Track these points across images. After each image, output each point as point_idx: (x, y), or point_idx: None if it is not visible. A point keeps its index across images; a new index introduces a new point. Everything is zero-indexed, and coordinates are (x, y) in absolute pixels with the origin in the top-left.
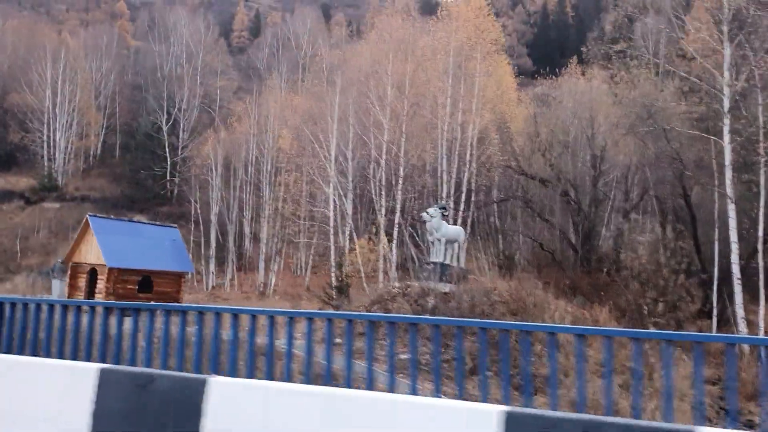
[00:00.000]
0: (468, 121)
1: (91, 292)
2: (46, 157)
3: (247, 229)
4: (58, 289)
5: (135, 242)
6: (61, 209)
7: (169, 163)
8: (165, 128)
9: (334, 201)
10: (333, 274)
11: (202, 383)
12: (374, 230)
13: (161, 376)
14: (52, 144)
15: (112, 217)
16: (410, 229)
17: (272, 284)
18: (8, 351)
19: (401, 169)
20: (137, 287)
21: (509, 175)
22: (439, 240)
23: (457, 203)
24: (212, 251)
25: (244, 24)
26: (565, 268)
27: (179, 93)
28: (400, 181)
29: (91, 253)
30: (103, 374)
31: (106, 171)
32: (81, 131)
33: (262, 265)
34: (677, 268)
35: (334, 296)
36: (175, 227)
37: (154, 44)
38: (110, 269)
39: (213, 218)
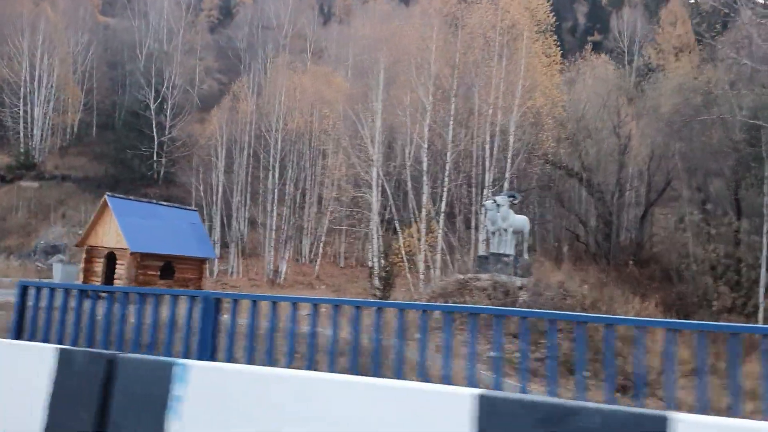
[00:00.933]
0: (512, 106)
1: (109, 278)
2: (22, 134)
3: (247, 215)
4: (60, 273)
5: (156, 225)
6: (40, 188)
7: (156, 143)
8: (153, 107)
9: (377, 186)
10: (375, 264)
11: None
12: (423, 217)
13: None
14: (29, 120)
15: (131, 198)
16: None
17: (283, 272)
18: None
19: (448, 154)
20: (159, 273)
21: (535, 164)
22: (505, 230)
23: (498, 192)
24: (217, 236)
25: (214, 2)
26: (598, 261)
27: (167, 70)
28: (447, 167)
29: (110, 236)
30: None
31: (85, 149)
32: (60, 107)
33: (271, 252)
34: (753, 263)
35: (379, 286)
36: (195, 210)
37: (133, 20)
38: (132, 254)
39: (218, 201)
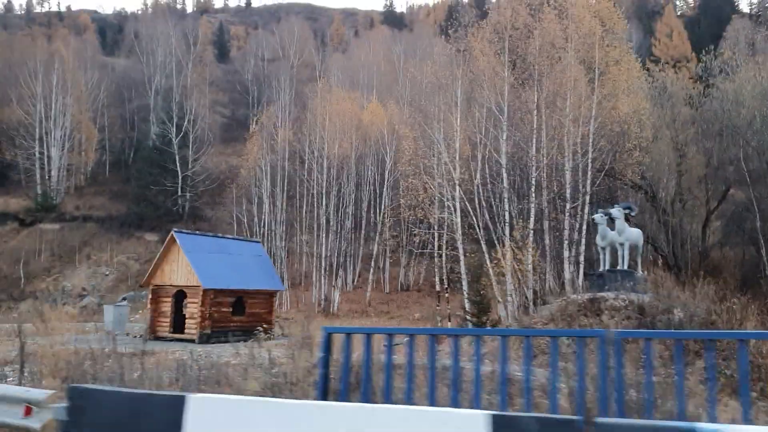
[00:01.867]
0: (588, 117)
1: (179, 318)
2: (38, 175)
3: (290, 244)
4: (113, 315)
5: (224, 260)
6: (62, 230)
7: (180, 177)
8: (176, 141)
9: (450, 207)
10: (464, 286)
11: None
12: (515, 236)
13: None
14: (45, 161)
15: (197, 232)
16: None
17: (336, 301)
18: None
19: (533, 169)
20: (231, 309)
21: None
22: (621, 244)
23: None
24: None
25: (208, 38)
26: (674, 272)
27: (186, 104)
28: (533, 183)
29: (178, 273)
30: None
31: (102, 188)
32: (76, 146)
33: (321, 281)
34: None
35: (472, 312)
36: (258, 242)
37: (141, 56)
38: (205, 291)
39: (264, 232)
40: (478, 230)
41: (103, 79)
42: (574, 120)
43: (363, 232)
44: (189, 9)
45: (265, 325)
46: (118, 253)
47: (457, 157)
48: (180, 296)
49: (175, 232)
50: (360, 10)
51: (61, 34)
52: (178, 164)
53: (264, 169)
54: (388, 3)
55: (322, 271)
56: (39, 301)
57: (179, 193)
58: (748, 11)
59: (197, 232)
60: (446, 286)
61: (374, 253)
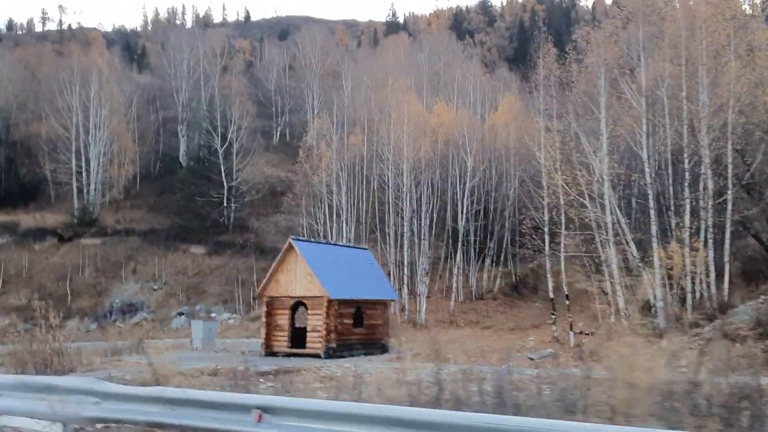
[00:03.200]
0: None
1: (298, 332)
2: (75, 189)
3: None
4: (201, 331)
5: (343, 268)
6: (104, 245)
7: (225, 187)
8: (221, 150)
9: (601, 203)
10: (619, 293)
11: None
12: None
13: None
14: (83, 175)
15: (312, 240)
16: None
17: (423, 312)
18: None
19: (705, 154)
20: (353, 321)
21: None
22: None
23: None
24: None
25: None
26: None
27: (228, 114)
28: (708, 171)
29: (296, 283)
30: None
31: (138, 201)
32: (117, 160)
33: (405, 289)
34: None
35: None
36: (367, 249)
37: (169, 67)
38: (330, 302)
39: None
40: (624, 230)
41: (134, 92)
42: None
43: (442, 238)
44: (189, 24)
45: (383, 338)
46: (164, 267)
47: (605, 151)
48: (296, 308)
49: (293, 239)
50: (360, 21)
51: (93, 48)
52: (223, 174)
53: (334, 177)
54: (391, 12)
55: (404, 280)
56: (88, 319)
57: (224, 204)
58: None
59: (312, 240)
60: (566, 293)
61: (456, 259)
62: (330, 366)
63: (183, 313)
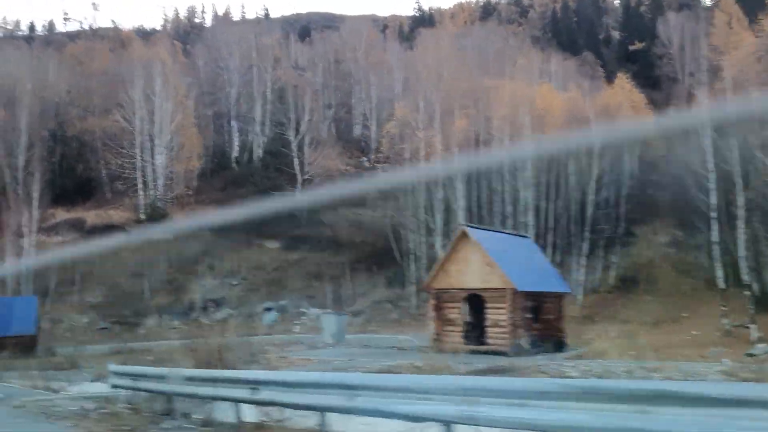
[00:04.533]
0: None
1: (478, 326)
2: (140, 185)
3: None
4: (334, 326)
5: (518, 258)
6: (175, 241)
7: (299, 181)
8: (294, 143)
9: None
10: None
11: None
12: None
13: None
14: (149, 170)
15: (482, 226)
16: None
17: (579, 303)
18: None
19: None
20: (532, 316)
21: None
22: None
23: None
24: None
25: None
26: None
27: (299, 105)
28: None
29: (471, 274)
30: None
31: (203, 196)
32: (183, 154)
33: None
34: None
35: None
36: (528, 237)
37: (221, 61)
38: (515, 294)
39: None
40: None
41: (192, 86)
42: None
43: (565, 228)
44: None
45: (558, 334)
46: (241, 262)
47: None
48: (473, 301)
49: (468, 226)
50: (380, 16)
51: (153, 41)
52: (296, 167)
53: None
54: (416, 6)
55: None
56: (167, 315)
57: (298, 198)
58: None
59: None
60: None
61: (582, 250)
62: (543, 364)
63: (271, 309)
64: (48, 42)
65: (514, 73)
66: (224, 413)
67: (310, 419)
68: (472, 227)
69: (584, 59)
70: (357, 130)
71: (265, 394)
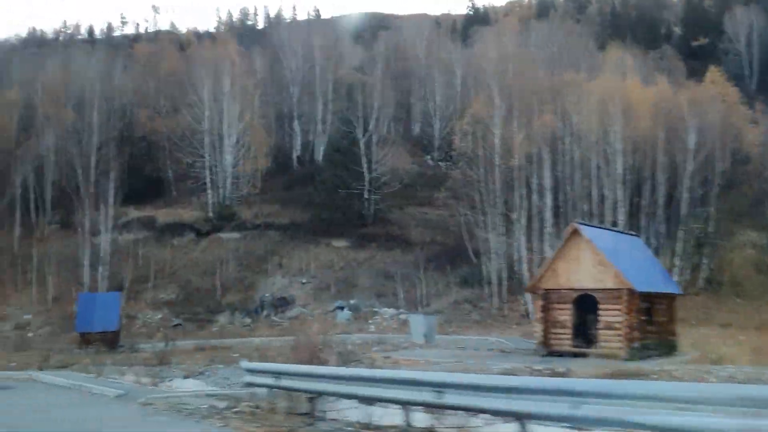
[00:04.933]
0: None
1: (582, 328)
2: (209, 183)
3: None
4: (424, 326)
5: (630, 257)
6: (244, 239)
7: (367, 179)
8: (362, 140)
9: None
10: None
11: None
12: None
13: None
14: (217, 169)
15: (592, 224)
16: None
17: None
18: None
19: None
20: (647, 318)
21: None
22: None
23: None
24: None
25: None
26: None
27: (368, 102)
28: None
29: (580, 273)
30: None
31: (269, 195)
32: (250, 153)
33: None
34: None
35: None
36: (636, 234)
37: (284, 61)
38: (632, 295)
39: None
40: None
41: (259, 83)
42: None
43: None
44: (260, 25)
45: (670, 337)
46: (310, 261)
47: None
48: (584, 302)
49: (580, 224)
50: (430, 15)
51: (220, 42)
52: (364, 166)
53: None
54: (470, 5)
55: None
56: (238, 313)
57: (366, 196)
58: None
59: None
60: None
61: (677, 249)
62: (671, 369)
63: (344, 307)
64: (110, 45)
65: (591, 67)
66: (359, 414)
67: (492, 426)
68: (583, 224)
69: (663, 53)
70: (416, 129)
71: (452, 398)
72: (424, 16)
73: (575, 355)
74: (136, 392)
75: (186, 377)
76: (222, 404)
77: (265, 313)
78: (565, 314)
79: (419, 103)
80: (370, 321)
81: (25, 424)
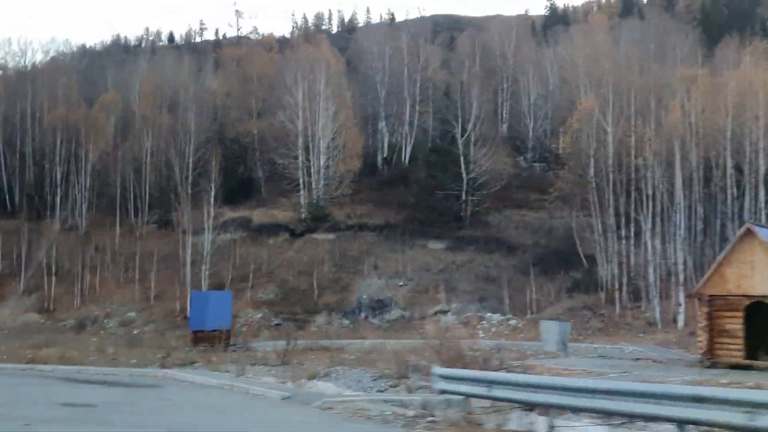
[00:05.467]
0: None
1: (757, 338)
2: (302, 184)
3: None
4: (557, 333)
5: None
6: (338, 240)
7: (465, 180)
8: (461, 140)
9: None
10: None
11: None
12: None
13: None
14: (311, 169)
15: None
16: None
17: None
18: None
19: None
20: None
21: None
22: None
23: None
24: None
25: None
26: None
27: (465, 100)
28: None
29: (754, 278)
30: None
31: (361, 196)
32: (343, 154)
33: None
34: None
35: None
36: None
37: (371, 61)
38: None
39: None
40: None
41: (349, 87)
42: None
43: None
44: (335, 29)
45: None
46: (405, 262)
47: None
48: (756, 310)
49: (755, 224)
50: (504, 15)
51: (314, 43)
52: (463, 166)
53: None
54: (548, 4)
55: None
56: (335, 314)
57: (463, 198)
58: None
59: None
60: None
61: None
62: None
63: (446, 311)
64: (193, 50)
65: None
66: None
67: None
68: (758, 226)
69: None
70: (503, 130)
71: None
72: (498, 17)
73: (746, 367)
74: (298, 394)
75: (311, 378)
76: (407, 411)
77: (363, 315)
78: (734, 323)
79: (506, 103)
80: (477, 326)
81: (228, 426)
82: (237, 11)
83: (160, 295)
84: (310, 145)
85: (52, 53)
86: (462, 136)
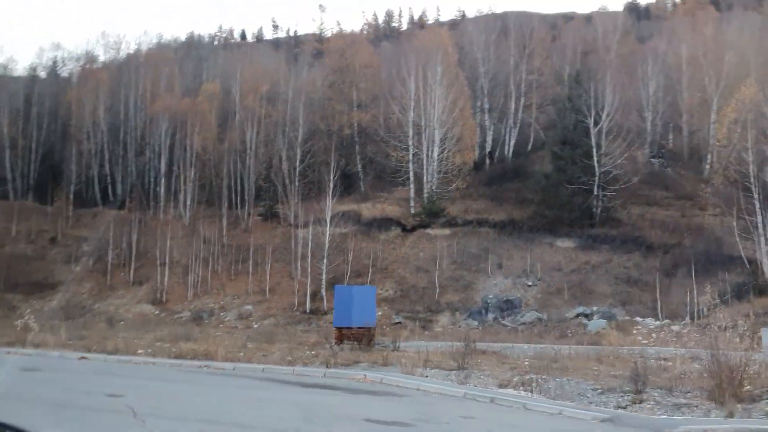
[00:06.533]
0: None
1: None
2: (412, 178)
3: None
4: None
5: None
6: (455, 236)
7: (597, 173)
8: (593, 132)
9: None
10: None
11: None
12: None
13: None
14: (424, 163)
15: None
16: None
17: None
18: None
19: None
20: None
21: None
22: None
23: None
24: None
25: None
26: None
27: (599, 88)
28: None
29: None
30: None
31: (473, 191)
32: (459, 145)
33: None
34: None
35: None
36: None
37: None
38: None
39: None
40: None
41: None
42: None
43: None
44: (404, 27)
45: None
46: (532, 261)
47: None
48: None
49: None
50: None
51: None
52: (595, 159)
53: None
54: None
55: None
56: (458, 313)
57: (595, 193)
58: None
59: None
60: None
61: None
62: None
63: (589, 314)
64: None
65: None
66: None
67: None
68: None
69: None
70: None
71: None
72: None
73: None
74: (616, 417)
75: (501, 386)
76: None
77: (491, 316)
78: None
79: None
80: (633, 332)
81: None
82: (320, 6)
83: (274, 288)
84: (424, 137)
85: (144, 46)
86: (594, 126)
